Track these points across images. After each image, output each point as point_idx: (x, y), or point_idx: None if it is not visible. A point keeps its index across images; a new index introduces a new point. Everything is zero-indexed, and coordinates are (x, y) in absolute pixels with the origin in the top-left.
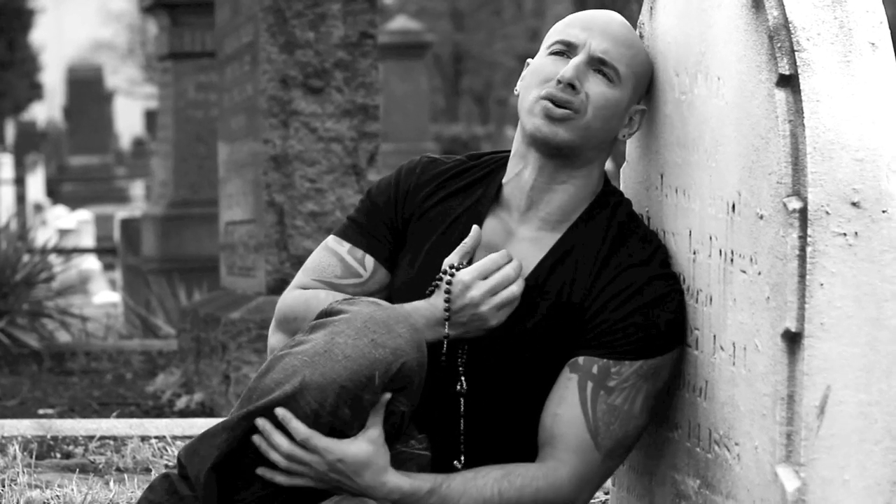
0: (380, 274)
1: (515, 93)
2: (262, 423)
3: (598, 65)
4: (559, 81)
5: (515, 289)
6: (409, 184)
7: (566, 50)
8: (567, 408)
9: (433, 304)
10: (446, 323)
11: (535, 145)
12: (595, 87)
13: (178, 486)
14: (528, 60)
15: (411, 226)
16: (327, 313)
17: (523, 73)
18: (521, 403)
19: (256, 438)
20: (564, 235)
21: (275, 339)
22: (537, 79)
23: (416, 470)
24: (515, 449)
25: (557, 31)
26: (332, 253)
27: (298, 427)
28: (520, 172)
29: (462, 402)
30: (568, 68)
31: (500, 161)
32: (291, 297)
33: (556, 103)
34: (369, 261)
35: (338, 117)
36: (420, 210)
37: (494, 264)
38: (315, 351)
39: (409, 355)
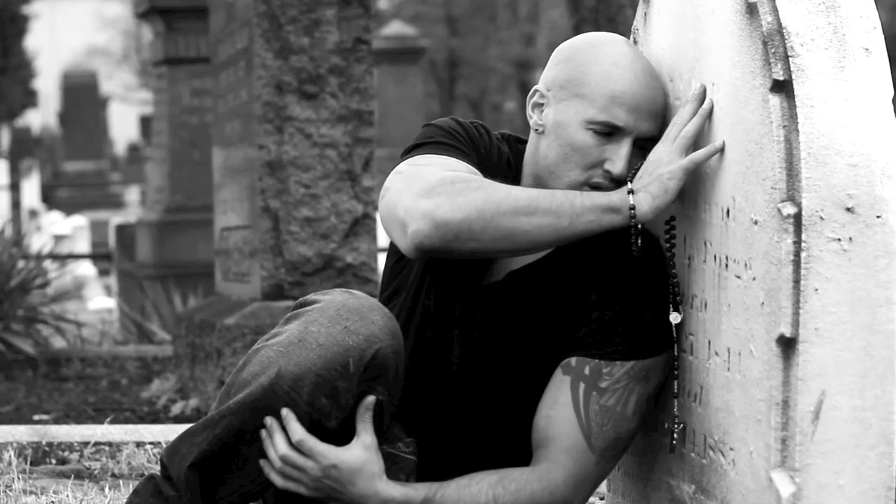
0: None
1: (537, 127)
2: (269, 420)
3: (641, 142)
4: (608, 171)
5: (692, 127)
6: (473, 138)
7: (612, 132)
8: (560, 409)
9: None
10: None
11: None
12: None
13: (162, 487)
14: (539, 90)
15: None
16: (301, 304)
17: (540, 111)
18: (512, 402)
19: (263, 433)
20: None
21: (432, 202)
22: (581, 159)
23: (402, 474)
24: (501, 450)
25: (599, 107)
26: (449, 161)
27: (296, 428)
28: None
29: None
30: (621, 165)
31: (515, 163)
32: (451, 167)
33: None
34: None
35: (332, 123)
36: None
37: (678, 127)
38: (289, 341)
39: (382, 342)
